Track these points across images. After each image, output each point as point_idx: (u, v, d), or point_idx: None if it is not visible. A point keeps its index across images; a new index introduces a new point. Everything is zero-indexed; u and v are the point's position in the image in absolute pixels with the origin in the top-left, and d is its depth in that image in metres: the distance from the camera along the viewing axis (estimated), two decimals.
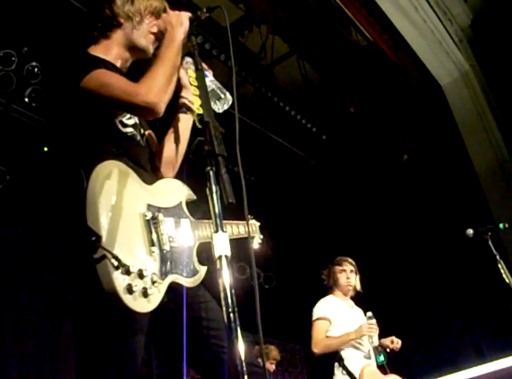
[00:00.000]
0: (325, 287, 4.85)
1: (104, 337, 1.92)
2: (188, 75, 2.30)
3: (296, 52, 5.86)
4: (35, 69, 4.81)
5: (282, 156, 6.64)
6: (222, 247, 1.76)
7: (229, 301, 1.70)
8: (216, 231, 1.76)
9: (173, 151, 2.39)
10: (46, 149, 3.60)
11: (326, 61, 5.68)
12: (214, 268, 1.78)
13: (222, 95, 2.30)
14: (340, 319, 4.56)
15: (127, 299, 1.81)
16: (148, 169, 2.21)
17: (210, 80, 2.30)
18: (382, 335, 4.45)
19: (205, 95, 1.97)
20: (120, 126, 2.15)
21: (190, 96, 2.29)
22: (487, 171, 6.79)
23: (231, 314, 1.68)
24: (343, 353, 4.37)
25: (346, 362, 4.32)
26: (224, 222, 1.80)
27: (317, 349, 4.44)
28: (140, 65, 2.36)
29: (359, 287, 4.82)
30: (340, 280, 4.77)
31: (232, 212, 1.94)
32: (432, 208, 7.11)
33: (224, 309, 1.69)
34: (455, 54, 7.09)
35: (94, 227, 1.84)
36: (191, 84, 2.04)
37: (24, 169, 4.71)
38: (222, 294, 1.71)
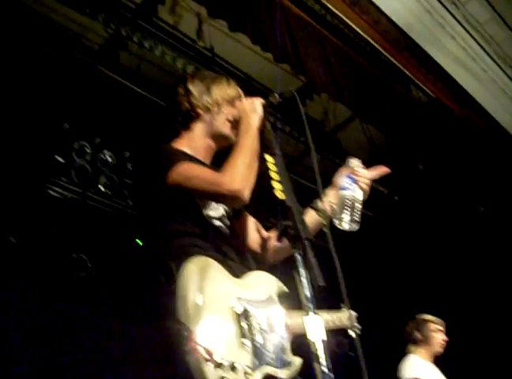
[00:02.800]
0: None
1: None
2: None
3: (359, 116, 5.88)
4: (108, 158, 5.02)
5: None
6: (315, 330, 1.72)
7: None
8: (307, 314, 1.74)
9: None
10: (139, 242, 3.68)
11: (389, 121, 5.66)
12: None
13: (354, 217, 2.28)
14: None
15: None
16: (237, 260, 2.22)
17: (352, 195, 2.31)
18: None
19: (284, 179, 1.99)
20: (207, 219, 2.19)
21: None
22: None
23: None
24: None
25: None
26: (320, 311, 1.77)
27: None
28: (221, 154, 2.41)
29: None
30: (435, 340, 4.47)
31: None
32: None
33: None
34: None
35: (184, 321, 1.84)
36: (270, 170, 2.06)
37: (105, 256, 4.83)
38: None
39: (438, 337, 4.51)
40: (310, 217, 2.37)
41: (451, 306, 6.57)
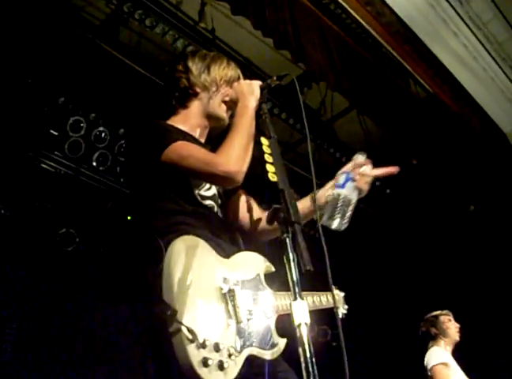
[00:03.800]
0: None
1: None
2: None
3: (356, 107, 5.87)
4: (103, 134, 4.99)
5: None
6: (301, 315, 1.73)
7: (310, 369, 1.67)
8: (295, 299, 1.74)
9: None
10: (129, 218, 3.68)
11: (386, 114, 5.65)
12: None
13: (342, 216, 2.26)
14: (455, 369, 4.58)
15: (203, 372, 1.80)
16: (227, 239, 2.22)
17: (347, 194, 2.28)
18: None
19: (278, 162, 1.98)
20: (199, 199, 2.18)
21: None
22: None
23: None
24: None
25: None
26: (306, 293, 1.78)
27: None
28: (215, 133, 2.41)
29: None
30: (451, 331, 4.81)
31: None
32: (502, 258, 6.89)
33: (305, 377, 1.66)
34: None
35: (169, 301, 1.84)
36: (264, 152, 2.06)
37: (94, 233, 4.82)
38: (303, 363, 1.68)
39: (452, 326, 4.87)
40: (305, 204, 2.38)
41: (442, 298, 6.62)
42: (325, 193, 2.39)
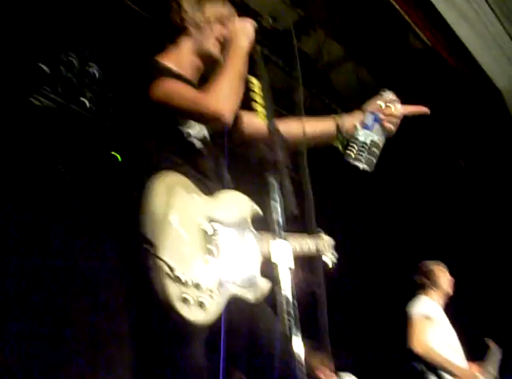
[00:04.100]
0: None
1: (163, 345, 1.94)
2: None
3: (352, 56, 5.81)
4: (96, 73, 4.91)
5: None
6: (281, 256, 1.73)
7: (285, 308, 1.68)
8: (275, 239, 1.74)
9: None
10: (117, 156, 3.66)
11: (382, 65, 5.60)
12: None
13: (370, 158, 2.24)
14: (438, 320, 4.46)
15: (182, 308, 1.82)
16: (214, 179, 2.22)
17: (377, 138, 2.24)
18: None
19: (269, 104, 1.97)
20: (187, 137, 2.17)
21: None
22: None
23: (289, 322, 1.66)
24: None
25: None
26: (295, 236, 1.79)
27: (420, 349, 4.28)
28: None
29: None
30: (442, 281, 4.69)
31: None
32: (491, 216, 6.95)
33: (282, 317, 1.68)
34: None
35: (148, 235, 1.86)
36: (255, 93, 2.04)
37: (84, 170, 4.80)
38: (279, 303, 1.69)
39: (445, 278, 4.74)
40: (326, 127, 2.36)
41: (433, 254, 6.70)
42: (352, 122, 2.35)
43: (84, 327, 4.77)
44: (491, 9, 6.36)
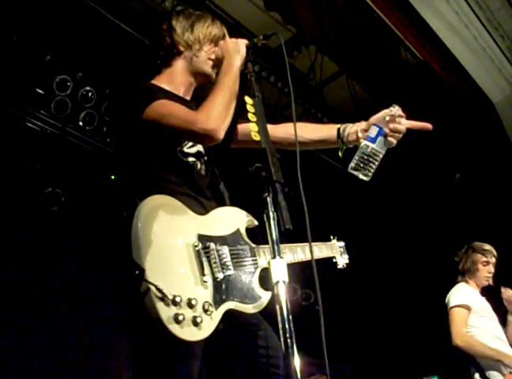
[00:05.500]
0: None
1: (160, 362, 1.94)
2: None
3: (345, 72, 5.85)
4: (90, 94, 4.94)
5: (330, 176, 6.60)
6: (279, 273, 1.75)
7: (286, 327, 1.69)
8: (274, 257, 1.76)
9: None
10: (113, 177, 3.67)
11: (375, 79, 5.63)
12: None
13: (369, 168, 2.28)
14: (479, 310, 4.32)
15: (173, 328, 1.83)
16: (210, 197, 2.23)
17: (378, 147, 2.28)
18: None
19: (262, 121, 1.98)
20: (181, 156, 2.19)
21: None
22: None
23: (289, 340, 1.67)
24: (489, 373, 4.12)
25: None
26: (314, 244, 1.79)
27: (461, 342, 4.17)
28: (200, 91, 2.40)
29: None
30: (481, 273, 4.51)
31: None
32: (486, 229, 6.95)
33: (282, 335, 1.69)
34: (508, 71, 6.95)
35: (138, 261, 1.87)
36: (248, 111, 2.05)
37: (79, 192, 4.81)
38: (280, 322, 1.70)
39: (485, 271, 4.53)
40: (330, 133, 2.42)
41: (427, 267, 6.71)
42: (356, 130, 2.40)
43: (83, 345, 4.77)
44: (482, 23, 6.43)
